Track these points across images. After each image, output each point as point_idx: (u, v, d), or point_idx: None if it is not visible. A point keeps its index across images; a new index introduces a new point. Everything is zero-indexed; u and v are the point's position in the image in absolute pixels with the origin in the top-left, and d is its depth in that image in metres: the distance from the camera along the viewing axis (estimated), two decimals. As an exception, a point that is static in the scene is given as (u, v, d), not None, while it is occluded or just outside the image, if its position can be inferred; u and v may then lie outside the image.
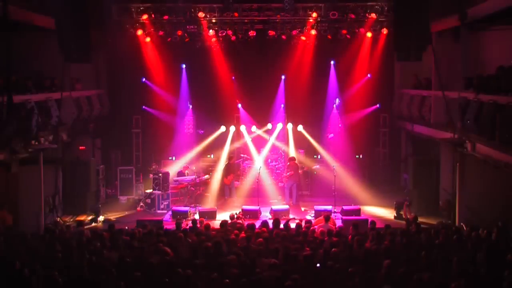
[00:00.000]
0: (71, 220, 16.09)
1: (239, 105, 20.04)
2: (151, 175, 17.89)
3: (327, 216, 13.22)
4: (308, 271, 9.15)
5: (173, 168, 18.73)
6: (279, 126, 19.24)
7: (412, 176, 17.25)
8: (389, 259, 9.27)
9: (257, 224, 13.01)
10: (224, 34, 18.66)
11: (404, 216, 15.48)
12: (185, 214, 15.95)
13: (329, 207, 16.07)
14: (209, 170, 19.35)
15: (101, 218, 16.23)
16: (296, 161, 18.31)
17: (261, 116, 19.91)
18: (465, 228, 13.16)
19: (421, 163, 17.26)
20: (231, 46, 19.41)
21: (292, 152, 19.26)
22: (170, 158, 19.75)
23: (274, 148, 19.68)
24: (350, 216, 15.46)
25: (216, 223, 14.03)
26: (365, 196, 17.87)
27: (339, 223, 14.69)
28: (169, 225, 14.70)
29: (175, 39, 18.78)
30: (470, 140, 13.40)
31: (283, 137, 20.02)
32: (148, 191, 17.77)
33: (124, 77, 19.50)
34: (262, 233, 11.57)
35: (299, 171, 18.30)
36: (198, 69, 19.93)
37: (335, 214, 16.11)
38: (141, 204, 17.55)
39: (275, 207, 16.59)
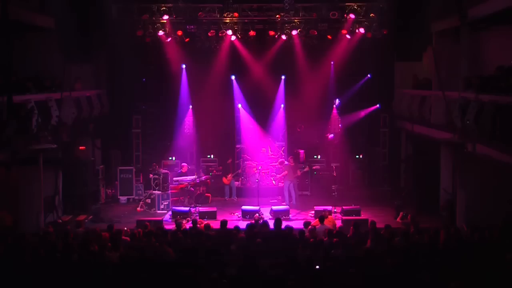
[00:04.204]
0: (71, 220, 16.06)
1: (239, 105, 20.05)
2: (151, 175, 17.89)
3: (321, 217, 13.21)
4: (308, 271, 9.15)
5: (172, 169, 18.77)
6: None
7: (412, 177, 17.23)
8: (389, 259, 9.28)
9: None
10: (224, 34, 18.66)
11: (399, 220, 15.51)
12: (185, 214, 15.94)
13: (329, 207, 16.05)
14: (209, 170, 19.37)
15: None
16: (290, 161, 18.24)
17: (261, 116, 19.93)
18: (465, 228, 13.17)
19: (421, 163, 17.24)
20: (231, 46, 19.41)
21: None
22: (170, 158, 19.75)
23: (274, 148, 19.69)
24: (350, 216, 15.45)
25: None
26: (365, 196, 17.87)
27: (339, 223, 14.70)
28: (169, 225, 14.70)
29: (175, 39, 18.79)
30: (470, 140, 13.39)
31: (283, 137, 20.06)
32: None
33: (124, 77, 19.49)
34: (262, 233, 11.58)
35: (298, 171, 18.27)
36: (198, 69, 19.93)
37: (335, 214, 16.11)
38: (141, 204, 17.55)
39: (275, 207, 16.58)
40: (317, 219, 13.37)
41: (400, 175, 19.81)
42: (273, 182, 19.29)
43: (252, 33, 18.57)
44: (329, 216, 14.08)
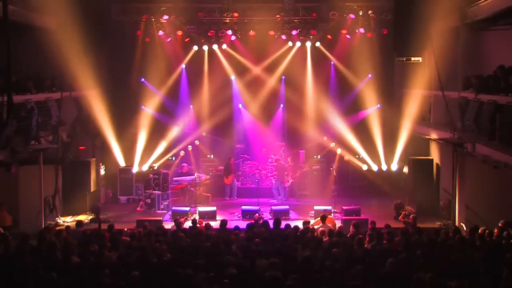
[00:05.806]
0: (71, 220, 16.06)
1: (240, 106, 20.04)
2: (151, 175, 17.88)
3: (323, 216, 13.22)
4: (308, 271, 9.15)
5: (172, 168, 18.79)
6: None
7: (412, 176, 17.23)
8: (389, 259, 9.27)
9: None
10: (224, 34, 18.65)
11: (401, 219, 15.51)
12: (185, 214, 15.94)
13: (329, 207, 16.05)
14: (209, 170, 19.36)
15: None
16: (282, 162, 18.25)
17: (261, 116, 19.92)
18: (465, 228, 13.18)
19: (421, 163, 17.23)
20: (231, 46, 19.40)
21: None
22: (170, 158, 19.73)
23: (275, 149, 19.68)
24: (350, 216, 15.45)
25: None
26: (365, 196, 17.86)
27: (339, 223, 14.69)
28: (169, 225, 14.70)
29: (175, 39, 18.77)
30: (470, 140, 13.40)
31: (283, 137, 20.05)
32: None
33: (124, 77, 19.49)
34: (262, 233, 11.58)
35: (298, 172, 18.29)
36: (198, 69, 19.93)
37: (335, 214, 16.10)
38: (141, 204, 17.55)
39: (275, 207, 16.59)
40: (319, 219, 13.38)
41: (400, 175, 19.79)
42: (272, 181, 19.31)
43: (252, 33, 18.57)
44: (329, 216, 14.08)
